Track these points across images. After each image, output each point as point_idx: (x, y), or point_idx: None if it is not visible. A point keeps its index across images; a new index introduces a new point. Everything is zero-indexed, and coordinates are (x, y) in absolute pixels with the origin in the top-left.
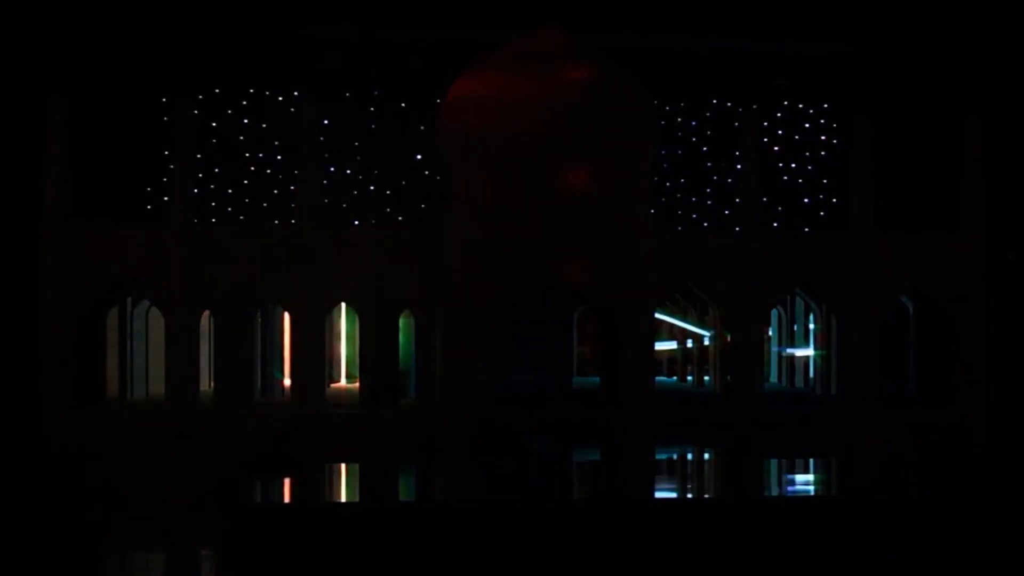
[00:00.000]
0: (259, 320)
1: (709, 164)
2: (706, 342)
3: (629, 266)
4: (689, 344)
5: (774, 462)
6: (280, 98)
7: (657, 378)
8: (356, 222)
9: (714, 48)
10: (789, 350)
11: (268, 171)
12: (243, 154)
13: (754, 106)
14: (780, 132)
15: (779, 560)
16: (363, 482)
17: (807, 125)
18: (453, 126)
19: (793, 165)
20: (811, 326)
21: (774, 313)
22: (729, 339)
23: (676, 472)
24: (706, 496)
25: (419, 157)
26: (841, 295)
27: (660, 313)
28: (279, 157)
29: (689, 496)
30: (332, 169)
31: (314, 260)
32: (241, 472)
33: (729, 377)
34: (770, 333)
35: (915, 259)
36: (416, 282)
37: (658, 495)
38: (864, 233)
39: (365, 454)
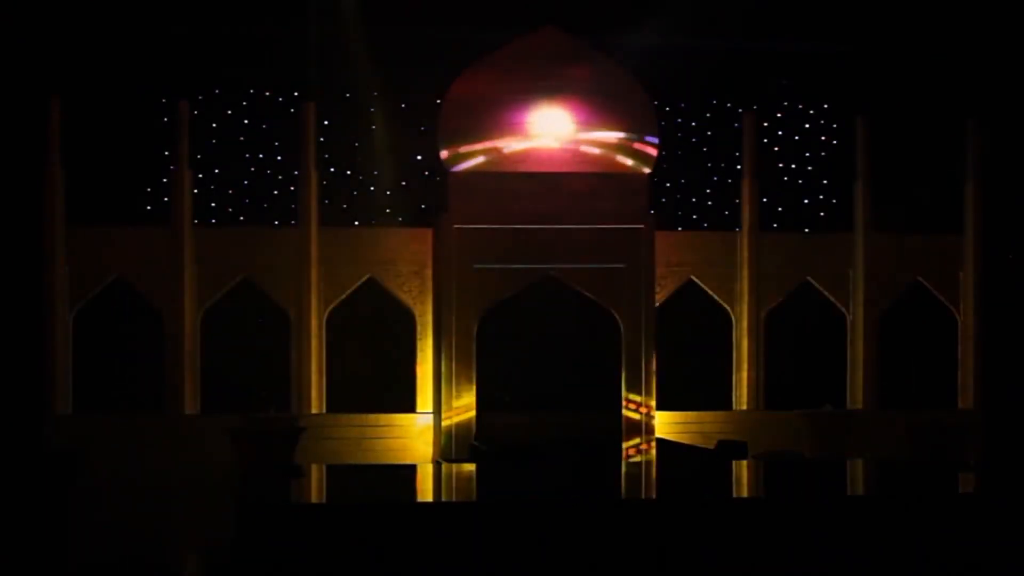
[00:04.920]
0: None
1: (709, 164)
2: None
3: (629, 266)
4: None
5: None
6: (280, 98)
7: None
8: (356, 222)
9: (714, 48)
10: None
11: (268, 171)
12: (243, 154)
13: (754, 106)
14: (780, 132)
15: (779, 561)
16: (363, 482)
17: (807, 125)
18: (453, 126)
19: (793, 165)
20: None
21: None
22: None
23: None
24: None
25: (419, 157)
26: (841, 295)
27: None
28: (279, 157)
29: (689, 496)
30: (332, 169)
31: (315, 260)
32: (241, 473)
33: None
34: None
35: (915, 259)
36: (416, 282)
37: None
38: (864, 233)
39: (367, 454)
